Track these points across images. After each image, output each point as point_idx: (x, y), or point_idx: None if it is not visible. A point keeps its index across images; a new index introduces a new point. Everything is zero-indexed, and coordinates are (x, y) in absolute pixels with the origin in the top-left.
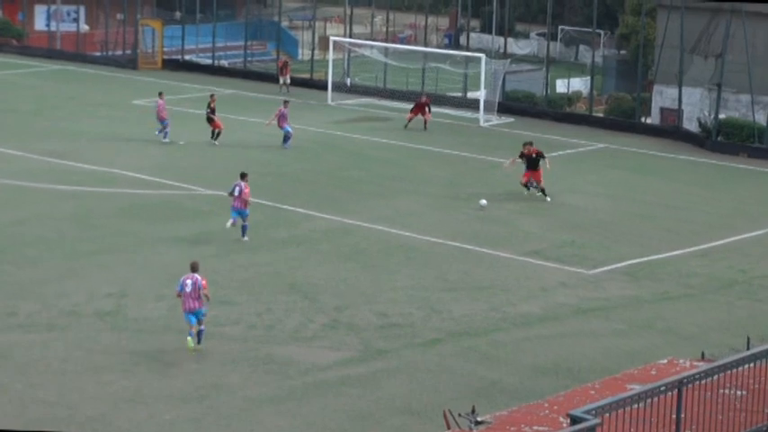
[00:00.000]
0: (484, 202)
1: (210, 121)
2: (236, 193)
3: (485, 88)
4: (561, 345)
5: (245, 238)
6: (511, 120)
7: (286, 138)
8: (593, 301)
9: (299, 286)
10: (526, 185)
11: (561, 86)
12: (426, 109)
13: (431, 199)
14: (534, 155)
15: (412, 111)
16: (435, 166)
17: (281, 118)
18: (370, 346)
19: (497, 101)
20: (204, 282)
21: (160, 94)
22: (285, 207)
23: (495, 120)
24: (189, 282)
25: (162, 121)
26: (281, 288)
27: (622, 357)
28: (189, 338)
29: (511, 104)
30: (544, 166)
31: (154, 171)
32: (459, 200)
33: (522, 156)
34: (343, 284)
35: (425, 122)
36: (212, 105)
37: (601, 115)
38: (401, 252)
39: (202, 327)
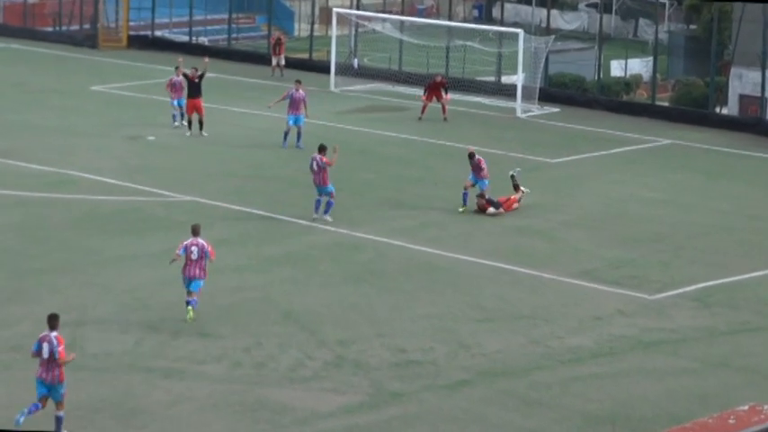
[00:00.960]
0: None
1: (194, 94)
2: (314, 168)
3: (523, 71)
4: (618, 387)
5: (328, 218)
6: (555, 110)
7: (297, 132)
8: (657, 333)
9: (295, 315)
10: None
11: (617, 69)
12: (442, 91)
13: (458, 207)
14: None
15: (425, 95)
16: (463, 167)
17: (293, 103)
18: (382, 388)
19: (538, 87)
20: (211, 249)
21: (177, 68)
22: (280, 217)
23: (536, 110)
24: (194, 248)
25: (176, 100)
26: (273, 317)
27: (693, 402)
28: (189, 308)
29: (555, 91)
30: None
31: (118, 173)
32: None
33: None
34: (351, 313)
35: (444, 108)
36: (190, 74)
37: (666, 104)
38: (423, 272)
39: (195, 297)
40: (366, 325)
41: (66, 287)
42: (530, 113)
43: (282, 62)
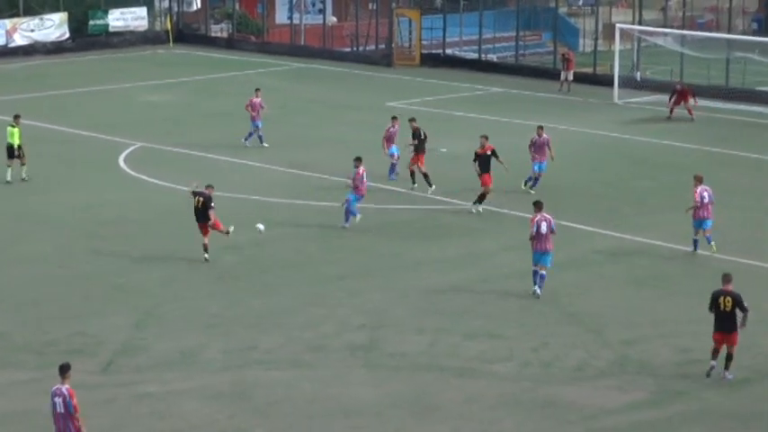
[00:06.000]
0: (261, 226)
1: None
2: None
3: None
4: None
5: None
6: None
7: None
8: None
9: (579, 316)
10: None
11: None
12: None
13: (740, 212)
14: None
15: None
16: (741, 174)
17: (389, 139)
18: (665, 387)
19: None
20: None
21: (257, 90)
22: (561, 222)
23: None
24: (543, 225)
25: (253, 121)
26: (558, 319)
27: None
28: None
29: None
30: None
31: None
32: None
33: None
34: (634, 314)
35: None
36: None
37: None
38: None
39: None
40: (648, 325)
41: (363, 291)
42: None
43: (570, 77)
